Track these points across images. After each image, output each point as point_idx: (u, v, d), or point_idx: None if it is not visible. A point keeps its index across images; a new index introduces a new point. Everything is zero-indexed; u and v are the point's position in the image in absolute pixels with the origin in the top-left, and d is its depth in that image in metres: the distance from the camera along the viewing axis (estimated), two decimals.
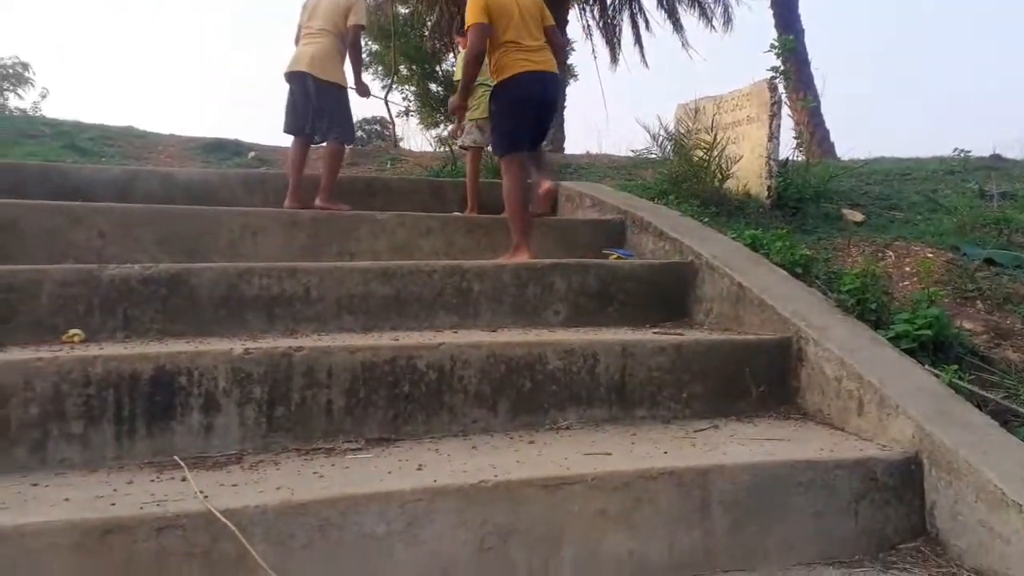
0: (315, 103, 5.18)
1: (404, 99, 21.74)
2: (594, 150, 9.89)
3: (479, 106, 5.72)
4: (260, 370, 2.65)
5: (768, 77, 5.46)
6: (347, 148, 5.34)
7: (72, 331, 3.04)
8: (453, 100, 5.20)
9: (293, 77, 5.24)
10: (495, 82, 4.69)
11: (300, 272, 3.40)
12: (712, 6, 14.80)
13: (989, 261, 4.29)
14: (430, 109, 22.80)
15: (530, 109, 4.67)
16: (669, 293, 3.95)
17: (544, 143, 5.49)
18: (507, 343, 3.00)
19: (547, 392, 2.97)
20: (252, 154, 7.45)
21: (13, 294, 3.04)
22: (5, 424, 2.43)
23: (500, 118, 4.75)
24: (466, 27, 4.60)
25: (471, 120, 5.77)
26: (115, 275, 3.16)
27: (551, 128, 5.45)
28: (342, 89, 5.28)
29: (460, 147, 5.79)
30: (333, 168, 5.15)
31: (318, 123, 5.21)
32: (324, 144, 5.30)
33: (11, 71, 20.21)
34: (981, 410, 2.75)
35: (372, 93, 5.50)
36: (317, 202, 4.95)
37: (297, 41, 5.38)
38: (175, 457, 2.48)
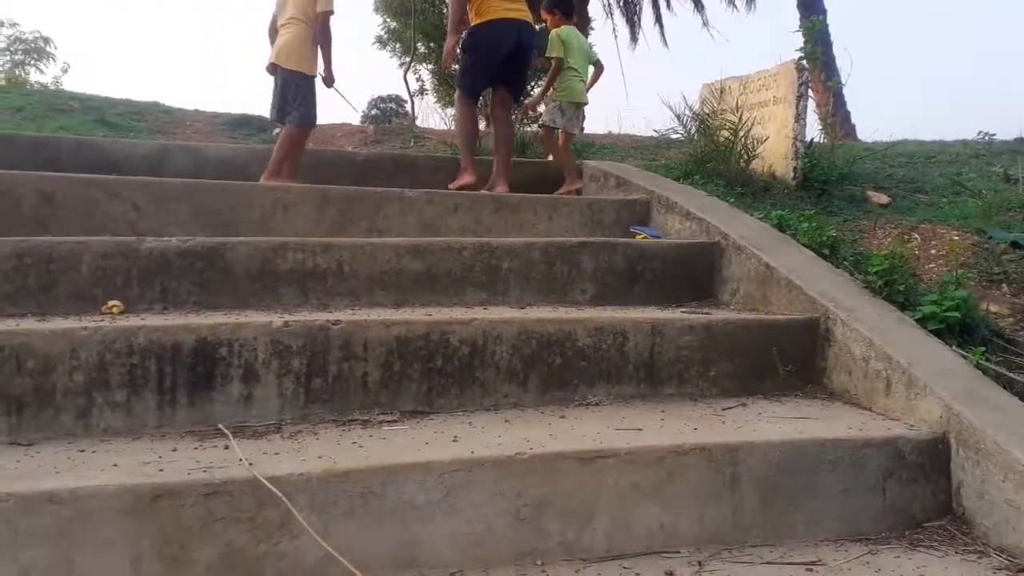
0: (280, 91, 5.40)
1: (417, 79, 21.72)
2: (615, 130, 9.87)
3: (564, 88, 5.81)
4: (298, 342, 2.70)
5: (795, 58, 5.44)
6: (306, 131, 5.48)
7: (111, 302, 3.10)
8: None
9: (272, 69, 5.51)
10: (471, 25, 5.25)
11: (333, 247, 3.44)
12: None
13: (1015, 244, 4.30)
14: (447, 87, 22.79)
15: (497, 56, 5.24)
16: (696, 273, 3.98)
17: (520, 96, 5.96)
18: (538, 320, 3.04)
19: (577, 368, 3.01)
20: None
21: (54, 265, 3.10)
22: (51, 391, 2.49)
23: (465, 58, 5.36)
24: None
25: (554, 101, 5.80)
26: (153, 248, 3.21)
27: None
28: (304, 76, 5.41)
29: (539, 125, 5.86)
30: (282, 147, 5.25)
31: (285, 109, 5.40)
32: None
33: (33, 45, 20.29)
34: (1008, 391, 2.77)
35: (335, 83, 5.64)
36: (261, 179, 5.01)
37: (271, 35, 5.58)
38: (220, 426, 2.55)
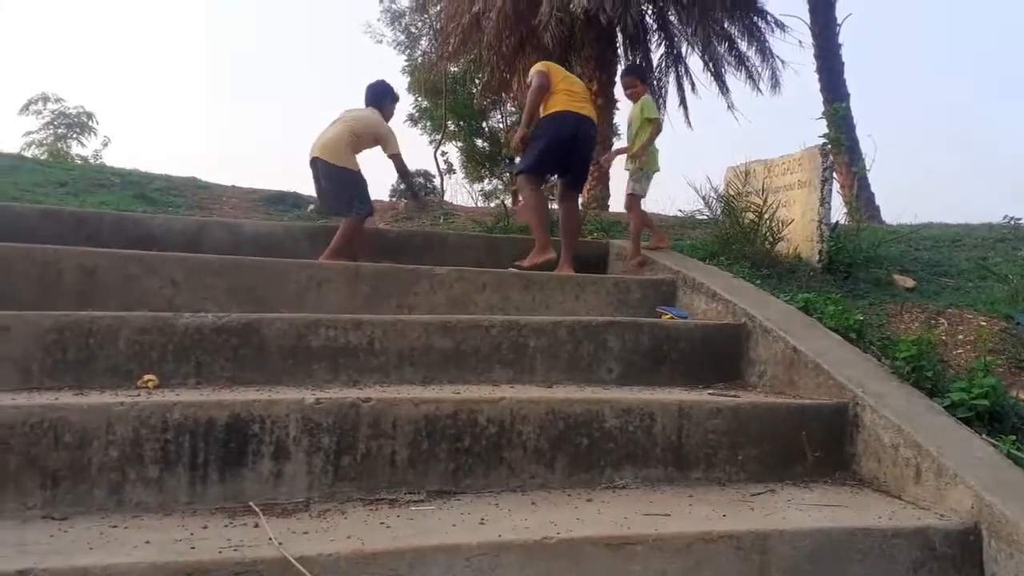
0: (335, 186, 5.83)
1: (445, 159, 22.20)
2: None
3: (652, 156, 5.95)
4: (329, 420, 2.74)
5: (819, 143, 5.53)
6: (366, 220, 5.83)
7: (147, 376, 3.16)
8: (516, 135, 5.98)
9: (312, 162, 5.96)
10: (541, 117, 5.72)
11: (365, 324, 3.50)
12: (759, 68, 14.92)
13: None
14: (475, 164, 23.23)
15: (562, 142, 5.63)
16: (722, 354, 3.99)
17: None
18: (565, 400, 3.06)
19: (604, 450, 3.02)
20: (311, 207, 7.64)
21: (92, 339, 3.17)
22: (86, 466, 2.53)
23: (534, 144, 5.73)
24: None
25: (642, 170, 5.91)
26: (189, 323, 3.29)
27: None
28: (345, 171, 5.85)
29: (629, 194, 5.94)
30: (344, 235, 5.55)
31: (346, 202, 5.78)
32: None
33: (76, 120, 20.91)
34: None
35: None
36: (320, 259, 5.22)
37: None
38: (250, 503, 2.57)
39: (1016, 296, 4.99)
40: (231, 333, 3.31)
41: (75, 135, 20.87)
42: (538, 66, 5.87)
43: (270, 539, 2.22)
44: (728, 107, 15.37)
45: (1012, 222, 7.72)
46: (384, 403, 2.82)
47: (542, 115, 5.75)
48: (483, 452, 2.89)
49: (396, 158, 6.06)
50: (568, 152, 5.72)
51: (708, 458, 3.11)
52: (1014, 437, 3.00)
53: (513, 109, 19.10)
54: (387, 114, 6.19)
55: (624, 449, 3.04)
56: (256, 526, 2.38)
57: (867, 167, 6.34)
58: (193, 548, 2.16)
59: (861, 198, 11.78)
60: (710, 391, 3.65)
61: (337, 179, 5.78)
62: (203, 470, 2.62)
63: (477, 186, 23.56)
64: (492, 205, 16.02)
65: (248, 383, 3.26)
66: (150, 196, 6.99)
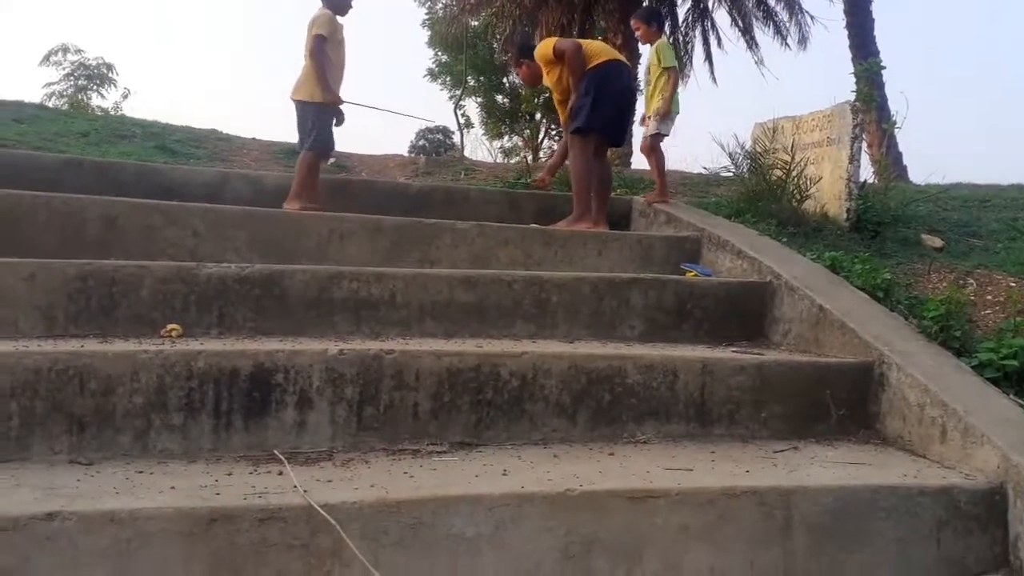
0: (298, 122, 5.55)
1: (462, 113, 22.03)
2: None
3: (675, 99, 5.92)
4: (352, 371, 2.74)
5: (850, 100, 5.42)
6: (319, 156, 5.52)
7: (170, 325, 3.16)
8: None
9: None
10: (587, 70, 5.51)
11: (387, 277, 3.49)
12: (787, 24, 14.69)
13: None
14: (496, 120, 23.05)
15: (616, 93, 5.56)
16: (746, 312, 3.95)
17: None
18: (588, 355, 3.05)
19: (626, 405, 3.01)
20: (332, 160, 7.63)
21: (116, 288, 3.18)
22: (111, 412, 2.54)
23: (586, 99, 5.47)
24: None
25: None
26: (212, 273, 3.28)
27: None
28: (307, 104, 5.49)
29: (653, 135, 5.88)
30: (299, 173, 5.32)
31: (302, 138, 5.53)
32: None
33: (96, 71, 20.91)
34: None
35: (341, 101, 5.60)
36: (284, 205, 5.07)
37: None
38: (275, 452, 2.58)
39: None
40: (253, 284, 3.31)
41: (95, 86, 20.91)
42: (559, 42, 5.76)
43: (295, 487, 2.23)
44: (756, 63, 15.15)
45: None
46: (407, 355, 2.82)
47: (588, 67, 5.53)
48: (505, 405, 2.89)
49: (316, 39, 5.42)
50: (627, 105, 5.69)
51: (731, 415, 3.10)
52: None
53: None
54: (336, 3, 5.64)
55: (646, 405, 3.03)
56: (280, 474, 2.39)
57: (895, 125, 6.22)
58: (218, 494, 2.18)
59: (889, 157, 11.60)
60: (733, 349, 3.62)
61: (297, 113, 5.55)
62: (227, 418, 2.63)
63: (497, 143, 23.40)
64: (512, 161, 15.92)
65: (270, 334, 3.26)
66: (171, 147, 6.98)
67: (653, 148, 5.88)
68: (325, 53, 5.44)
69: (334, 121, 5.61)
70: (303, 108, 5.50)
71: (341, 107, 5.62)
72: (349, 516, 2.10)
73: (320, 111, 5.48)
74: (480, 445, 2.81)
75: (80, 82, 20.93)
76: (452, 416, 2.83)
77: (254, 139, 8.22)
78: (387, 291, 3.45)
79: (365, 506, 2.13)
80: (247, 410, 2.65)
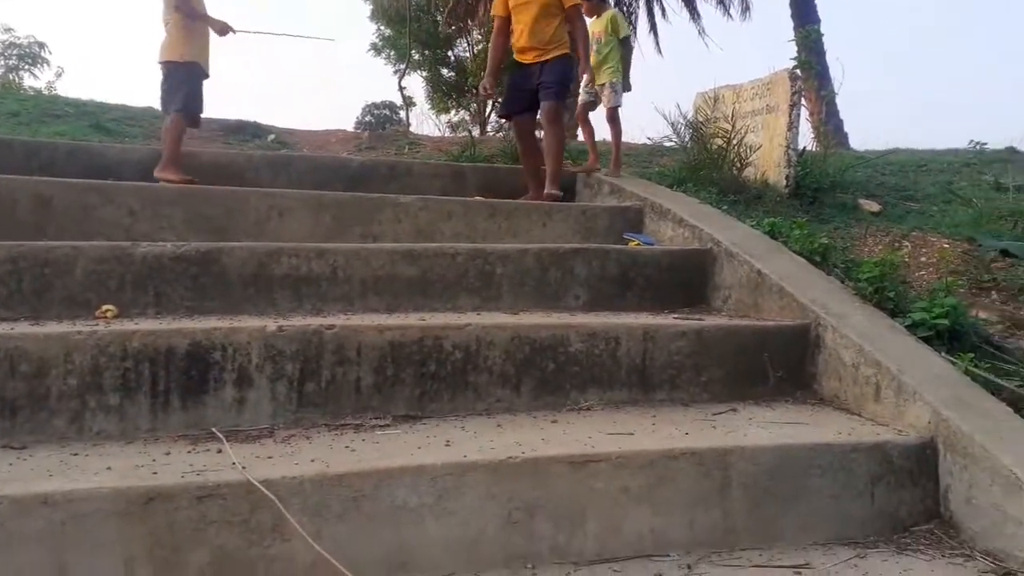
0: (164, 84, 5.44)
1: (406, 90, 21.84)
2: (608, 137, 9.86)
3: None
4: (292, 347, 2.72)
5: (789, 67, 5.48)
6: (188, 118, 5.39)
7: (105, 306, 3.11)
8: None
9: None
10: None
11: (328, 252, 3.46)
12: None
13: (1004, 252, 4.33)
14: (441, 95, 22.84)
15: None
16: (688, 279, 4.00)
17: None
18: (532, 325, 3.06)
19: (569, 373, 3.03)
20: (272, 136, 7.50)
21: (48, 269, 3.11)
22: (45, 395, 2.50)
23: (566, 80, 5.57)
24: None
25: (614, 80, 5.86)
26: (147, 252, 3.22)
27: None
28: (168, 64, 5.38)
29: (613, 108, 5.90)
30: (169, 139, 5.19)
31: (168, 101, 5.41)
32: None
33: (27, 51, 20.30)
34: (996, 397, 2.79)
35: (228, 28, 5.53)
36: (155, 172, 4.97)
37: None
38: (213, 429, 2.56)
39: (980, 219, 5.05)
40: (190, 262, 3.26)
41: (27, 66, 20.28)
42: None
43: (233, 463, 2.22)
44: (700, 32, 15.23)
45: (977, 147, 7.76)
46: (348, 330, 2.80)
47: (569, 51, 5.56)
48: (449, 377, 2.90)
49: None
50: None
51: (672, 380, 3.14)
52: (972, 355, 3.04)
53: (479, 37, 18.74)
54: None
55: (589, 372, 3.06)
56: (219, 452, 2.38)
57: (834, 92, 6.31)
58: (155, 473, 2.15)
59: (829, 124, 11.78)
60: (675, 315, 3.67)
61: (163, 76, 5.41)
62: (164, 398, 2.60)
63: (444, 117, 23.21)
64: (458, 135, 15.83)
65: (209, 312, 3.22)
66: (106, 126, 6.80)
67: (613, 119, 5.90)
68: (190, 5, 5.33)
69: (198, 80, 5.46)
70: (171, 69, 5.36)
71: (207, 68, 5.51)
72: (289, 491, 2.09)
73: (190, 71, 5.36)
74: (424, 418, 2.82)
75: (11, 62, 20.31)
76: (395, 390, 2.82)
77: None
78: (328, 267, 3.42)
79: (306, 481, 2.12)
80: (185, 389, 2.62)
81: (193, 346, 2.64)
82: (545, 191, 5.31)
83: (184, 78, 5.35)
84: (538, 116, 5.57)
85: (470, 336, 2.93)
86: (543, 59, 5.44)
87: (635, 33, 15.77)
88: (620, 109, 5.87)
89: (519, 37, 5.53)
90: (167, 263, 3.24)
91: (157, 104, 5.77)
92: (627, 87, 5.94)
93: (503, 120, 6.11)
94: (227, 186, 4.43)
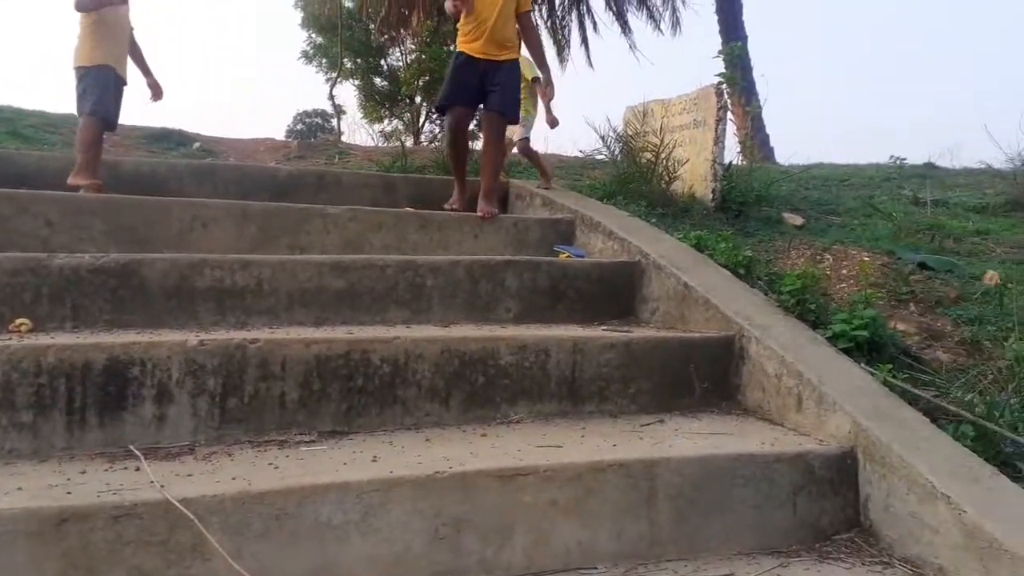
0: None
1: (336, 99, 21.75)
2: (541, 149, 9.94)
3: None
4: (214, 361, 2.66)
5: (715, 83, 5.59)
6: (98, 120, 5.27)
7: (19, 320, 3.00)
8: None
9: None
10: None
11: (253, 264, 3.39)
12: (660, 9, 15.02)
13: (922, 265, 4.47)
14: (374, 104, 22.70)
15: None
16: (618, 291, 4.03)
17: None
18: (461, 338, 3.05)
19: (499, 387, 3.03)
20: (197, 144, 7.38)
21: None
22: None
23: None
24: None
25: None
26: (65, 264, 3.12)
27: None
28: (79, 69, 5.28)
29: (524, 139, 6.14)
30: (82, 143, 5.09)
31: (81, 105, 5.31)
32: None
33: None
34: (913, 407, 2.87)
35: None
36: (69, 179, 4.87)
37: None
38: (131, 447, 2.48)
39: (899, 233, 5.20)
40: (110, 274, 3.16)
41: None
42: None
43: (152, 482, 2.16)
44: (631, 47, 15.42)
45: (898, 162, 8.02)
46: (273, 344, 2.75)
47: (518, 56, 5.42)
48: (377, 391, 2.86)
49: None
50: None
51: (601, 392, 3.16)
52: (891, 366, 3.12)
53: (413, 47, 18.69)
54: None
55: (519, 385, 3.06)
56: (137, 470, 2.31)
57: (760, 107, 6.46)
58: (69, 493, 2.08)
59: (756, 139, 12.06)
60: (605, 327, 3.69)
61: (76, 83, 5.29)
62: (81, 415, 2.52)
63: (377, 127, 23.07)
64: (391, 145, 15.76)
65: (129, 326, 3.13)
66: (23, 133, 6.61)
67: (527, 149, 6.21)
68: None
69: (109, 82, 5.30)
70: (81, 75, 5.24)
71: (122, 74, 5.40)
72: (209, 510, 2.04)
73: (100, 74, 5.24)
74: (351, 433, 2.78)
75: None
76: (321, 405, 2.78)
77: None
78: (253, 279, 3.36)
79: (226, 499, 2.07)
80: (102, 405, 2.54)
81: (111, 361, 2.56)
82: (481, 208, 4.89)
83: (94, 82, 5.21)
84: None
85: (399, 349, 2.91)
86: (496, 59, 5.14)
87: (568, 47, 15.94)
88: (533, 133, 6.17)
89: (476, 28, 5.11)
90: (85, 275, 3.14)
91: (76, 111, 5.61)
92: (534, 116, 6.18)
93: (439, 111, 5.61)
94: (149, 196, 4.32)
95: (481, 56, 5.13)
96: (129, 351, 2.59)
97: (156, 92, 5.80)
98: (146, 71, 5.81)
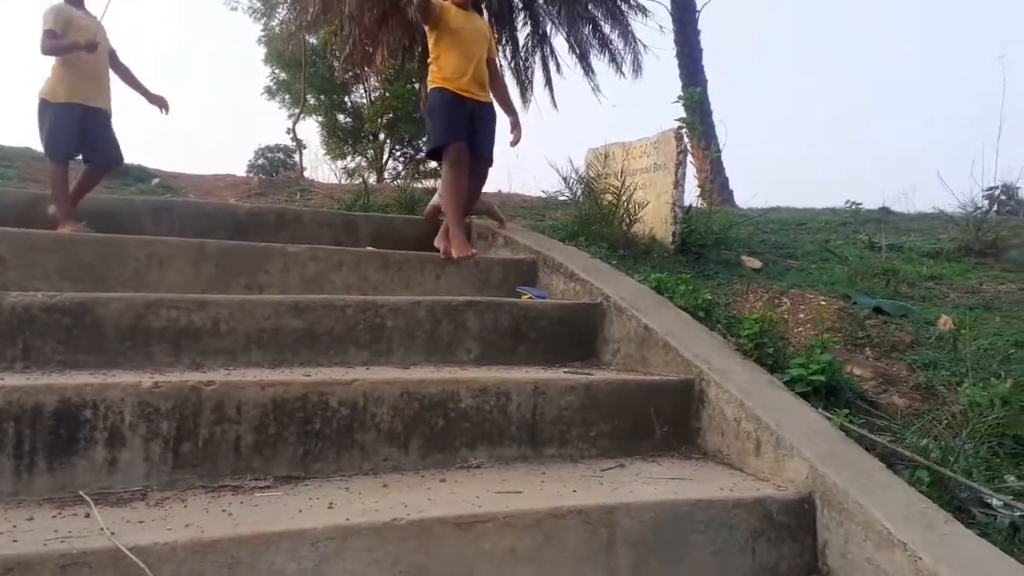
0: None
1: (298, 135, 21.81)
2: (504, 189, 10.02)
3: None
4: (168, 404, 2.61)
5: (675, 127, 5.67)
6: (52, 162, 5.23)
7: None
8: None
9: None
10: None
11: (210, 304, 3.35)
12: (622, 52, 15.23)
13: (878, 310, 4.53)
14: (337, 140, 22.74)
15: None
16: (579, 333, 4.04)
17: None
18: (421, 380, 3.02)
19: (459, 430, 3.00)
20: (156, 180, 7.31)
21: None
22: None
23: None
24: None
25: None
26: (16, 303, 3.06)
27: None
28: (44, 103, 5.25)
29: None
30: (50, 193, 5.08)
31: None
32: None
33: None
34: (870, 453, 2.90)
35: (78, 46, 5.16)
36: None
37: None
38: (81, 492, 2.42)
39: (854, 277, 5.28)
40: (63, 313, 3.11)
41: None
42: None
43: (102, 529, 2.10)
44: (593, 89, 15.61)
45: (853, 207, 8.16)
46: (228, 386, 2.71)
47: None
48: (334, 435, 2.82)
49: (43, 35, 5.11)
50: None
51: (562, 435, 3.15)
52: (848, 411, 3.15)
53: (376, 84, 18.79)
54: None
55: (480, 429, 3.04)
56: (87, 516, 2.25)
57: (719, 151, 6.58)
58: (15, 541, 2.02)
59: (716, 182, 12.23)
60: (566, 369, 3.69)
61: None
62: (29, 459, 2.45)
63: (340, 163, 23.09)
64: (353, 182, 15.75)
65: (82, 367, 3.07)
66: None
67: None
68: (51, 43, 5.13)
69: (72, 118, 5.22)
70: (38, 107, 5.19)
71: (99, 105, 5.34)
72: (160, 558, 1.99)
73: (59, 111, 5.17)
74: (307, 478, 2.73)
75: None
76: (277, 449, 2.73)
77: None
78: (210, 319, 3.31)
79: (178, 547, 2.02)
80: (52, 449, 2.47)
81: (63, 403, 2.50)
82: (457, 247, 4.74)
83: (53, 119, 5.15)
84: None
85: (357, 392, 2.88)
86: (480, 99, 5.14)
87: (531, 87, 16.10)
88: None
89: (460, 66, 5.04)
90: (38, 314, 3.08)
91: (34, 144, 5.56)
92: None
93: (438, 151, 5.08)
94: (106, 233, 4.26)
95: (468, 95, 5.06)
96: (81, 393, 2.53)
97: (161, 105, 5.75)
98: (143, 91, 5.78)
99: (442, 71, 5.08)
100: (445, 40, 5.04)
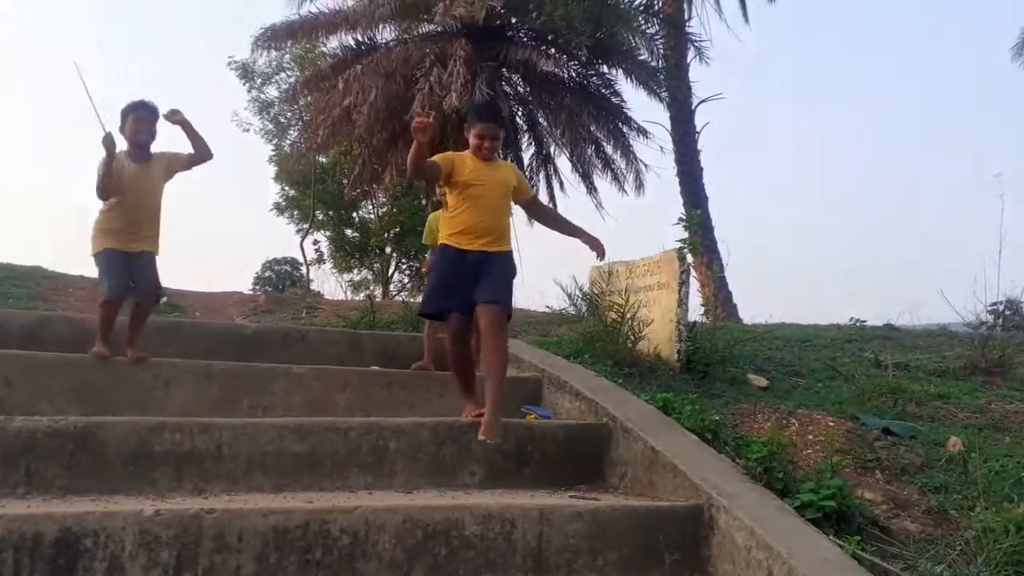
0: None
1: (315, 246, 22.23)
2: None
3: None
4: (169, 533, 2.57)
5: (677, 247, 5.75)
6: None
7: None
8: None
9: None
10: None
11: (213, 427, 3.34)
12: (624, 172, 15.53)
13: (887, 431, 4.49)
14: (345, 254, 23.06)
15: None
16: (585, 455, 4.00)
17: None
18: (424, 507, 2.99)
19: (463, 559, 2.94)
20: (164, 299, 7.36)
21: None
22: None
23: None
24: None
25: None
26: (21, 427, 3.07)
27: None
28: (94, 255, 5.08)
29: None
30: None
31: None
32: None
33: None
34: None
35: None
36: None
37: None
38: None
39: (862, 397, 5.24)
40: (67, 437, 3.10)
41: None
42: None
43: None
44: (596, 206, 15.88)
45: (858, 324, 8.19)
46: (230, 514, 2.68)
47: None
48: (336, 564, 2.78)
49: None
50: None
51: (568, 564, 3.08)
52: (859, 537, 3.10)
53: (384, 200, 19.16)
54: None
55: (484, 557, 2.98)
56: None
57: (722, 271, 6.66)
58: None
59: (719, 297, 12.29)
60: (571, 493, 3.64)
61: None
62: None
63: (347, 276, 23.35)
64: (361, 296, 15.89)
65: (84, 492, 3.04)
66: None
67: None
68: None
69: (113, 264, 4.86)
70: (95, 260, 4.94)
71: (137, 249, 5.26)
72: None
73: (101, 259, 4.91)
74: None
75: None
76: None
77: (81, 276, 7.83)
78: (213, 443, 3.30)
79: None
80: None
81: (63, 532, 2.48)
82: (485, 431, 3.80)
83: (102, 267, 4.99)
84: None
85: (359, 520, 2.84)
86: (490, 249, 4.24)
87: None
88: None
89: (472, 225, 4.23)
90: (41, 439, 3.08)
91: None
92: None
93: (426, 319, 4.80)
94: (115, 353, 4.28)
95: (470, 248, 4.25)
96: (82, 521, 2.51)
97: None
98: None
99: (453, 227, 4.32)
100: (457, 194, 4.33)
